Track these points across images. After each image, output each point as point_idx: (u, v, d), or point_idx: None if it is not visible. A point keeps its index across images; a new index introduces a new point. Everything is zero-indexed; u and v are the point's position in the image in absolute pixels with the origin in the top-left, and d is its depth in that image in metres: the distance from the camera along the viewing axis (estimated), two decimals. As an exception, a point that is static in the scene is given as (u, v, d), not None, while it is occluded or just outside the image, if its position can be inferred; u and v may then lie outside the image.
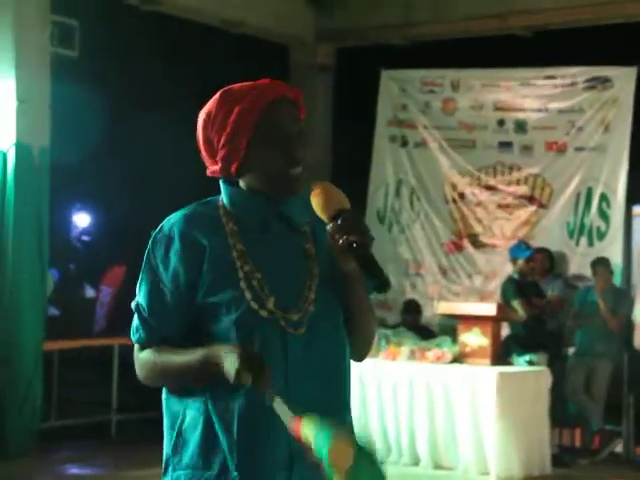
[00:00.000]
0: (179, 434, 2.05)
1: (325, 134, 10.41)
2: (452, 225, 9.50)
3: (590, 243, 8.81)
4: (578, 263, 8.77)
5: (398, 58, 9.95)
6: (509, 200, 9.30)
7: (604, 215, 8.79)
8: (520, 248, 8.23)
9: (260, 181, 2.07)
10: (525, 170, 9.24)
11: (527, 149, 9.26)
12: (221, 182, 2.13)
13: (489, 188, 9.39)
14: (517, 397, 7.03)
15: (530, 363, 7.43)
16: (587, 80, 8.97)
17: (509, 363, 7.46)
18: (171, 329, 2.06)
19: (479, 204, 9.40)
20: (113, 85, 10.25)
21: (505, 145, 9.34)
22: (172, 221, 2.08)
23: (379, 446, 7.33)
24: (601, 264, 8.22)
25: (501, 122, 9.35)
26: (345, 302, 2.10)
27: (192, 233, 2.05)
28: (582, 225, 8.88)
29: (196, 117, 2.14)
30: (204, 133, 2.09)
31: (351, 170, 9.84)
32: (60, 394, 8.38)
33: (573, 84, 9.04)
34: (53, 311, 9.98)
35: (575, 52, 8.92)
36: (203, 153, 2.12)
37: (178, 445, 2.04)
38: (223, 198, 2.12)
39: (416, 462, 7.20)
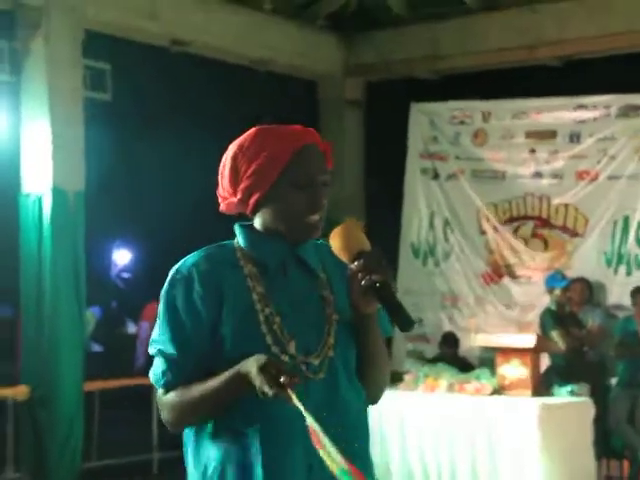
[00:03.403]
0: None
1: (356, 168, 10.44)
2: (487, 256, 9.47)
3: (629, 272, 8.73)
4: (617, 292, 8.69)
5: (427, 91, 9.99)
6: (543, 231, 9.27)
7: (642, 243, 8.73)
8: (556, 278, 8.19)
9: (276, 221, 2.07)
10: (557, 200, 9.21)
11: (558, 179, 9.23)
12: (236, 226, 2.14)
13: (521, 219, 9.36)
14: (560, 428, 6.95)
15: (572, 394, 7.35)
16: (620, 108, 8.94)
17: (550, 394, 7.38)
18: (196, 368, 2.03)
19: (512, 235, 9.36)
20: (146, 126, 10.38)
21: (535, 175, 9.32)
22: (190, 262, 2.07)
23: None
24: (641, 293, 8.14)
25: (532, 152, 9.34)
26: (362, 346, 2.10)
27: (211, 274, 2.05)
28: (620, 254, 8.81)
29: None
30: (232, 163, 2.09)
31: (384, 204, 9.86)
32: (101, 433, 8.41)
33: (606, 112, 9.01)
34: (96, 348, 10.10)
35: (607, 80, 8.91)
36: (225, 182, 2.11)
37: None
38: (239, 240, 2.12)
39: (459, 497, 7.12)
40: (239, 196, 2.08)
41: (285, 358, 2.01)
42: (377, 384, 2.15)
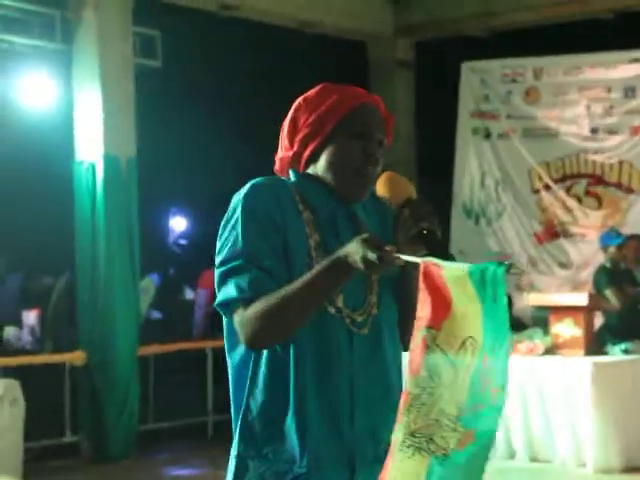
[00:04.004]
0: (245, 426, 2.06)
1: (407, 129, 10.38)
2: (540, 215, 9.37)
3: (686, 228, 8.58)
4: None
5: (478, 49, 9.87)
6: (596, 188, 9.13)
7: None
8: (611, 236, 8.06)
9: (329, 172, 2.06)
10: (611, 156, 9.06)
11: (612, 135, 9.07)
12: (291, 171, 2.11)
13: (575, 177, 9.23)
14: (613, 387, 6.89)
15: (626, 352, 7.28)
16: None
17: (604, 353, 7.31)
18: (282, 277, 1.95)
19: (566, 193, 9.25)
20: (197, 92, 10.43)
21: (590, 131, 9.17)
22: (260, 183, 2.04)
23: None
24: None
25: (585, 108, 9.18)
26: (404, 292, 2.10)
27: (278, 202, 2.02)
28: (677, 210, 8.66)
29: (280, 118, 2.15)
30: (293, 114, 2.09)
31: (435, 165, 9.80)
32: (157, 397, 8.54)
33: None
34: (155, 314, 10.25)
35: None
36: (283, 136, 2.11)
37: (247, 435, 2.06)
38: (295, 183, 2.09)
39: (512, 456, 7.11)
40: (295, 148, 2.07)
41: (331, 310, 2.01)
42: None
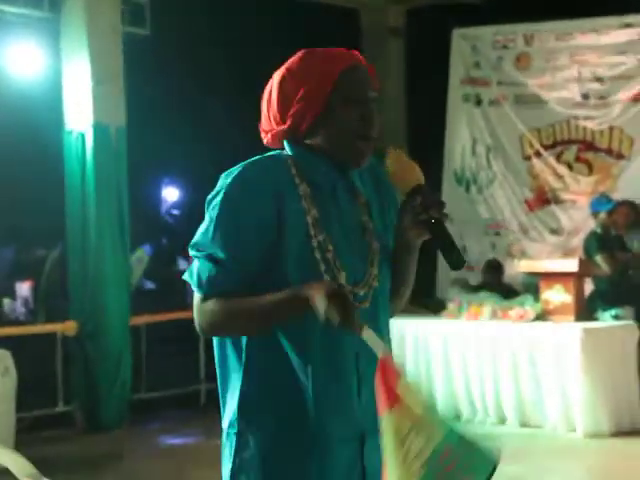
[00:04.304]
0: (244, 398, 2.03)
1: (399, 97, 10.34)
2: (531, 182, 9.37)
3: (678, 193, 8.57)
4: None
5: (469, 16, 9.81)
6: (587, 154, 9.12)
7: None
8: (601, 202, 8.06)
9: (329, 142, 2.02)
10: (602, 122, 9.04)
11: (603, 100, 9.05)
12: (286, 143, 2.06)
13: (565, 143, 9.21)
14: (603, 352, 6.93)
15: (616, 318, 7.30)
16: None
17: (595, 319, 7.34)
18: (245, 279, 1.96)
19: (556, 160, 9.24)
20: (186, 60, 10.38)
21: (581, 97, 9.15)
22: (249, 168, 2.00)
23: (465, 407, 7.31)
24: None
25: (576, 74, 9.15)
26: (399, 267, 2.11)
27: (271, 186, 1.99)
28: (667, 175, 8.66)
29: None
30: (280, 88, 2.04)
31: (426, 132, 9.77)
32: (149, 366, 8.55)
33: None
34: (148, 285, 10.23)
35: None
36: (273, 110, 2.05)
37: (249, 413, 2.02)
38: (292, 157, 2.05)
39: (502, 421, 7.16)
40: (289, 123, 2.02)
41: None
42: (403, 299, 2.18)
